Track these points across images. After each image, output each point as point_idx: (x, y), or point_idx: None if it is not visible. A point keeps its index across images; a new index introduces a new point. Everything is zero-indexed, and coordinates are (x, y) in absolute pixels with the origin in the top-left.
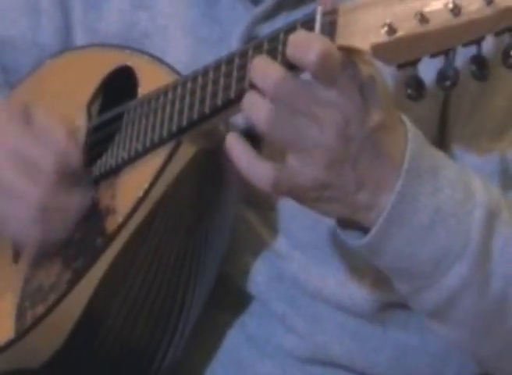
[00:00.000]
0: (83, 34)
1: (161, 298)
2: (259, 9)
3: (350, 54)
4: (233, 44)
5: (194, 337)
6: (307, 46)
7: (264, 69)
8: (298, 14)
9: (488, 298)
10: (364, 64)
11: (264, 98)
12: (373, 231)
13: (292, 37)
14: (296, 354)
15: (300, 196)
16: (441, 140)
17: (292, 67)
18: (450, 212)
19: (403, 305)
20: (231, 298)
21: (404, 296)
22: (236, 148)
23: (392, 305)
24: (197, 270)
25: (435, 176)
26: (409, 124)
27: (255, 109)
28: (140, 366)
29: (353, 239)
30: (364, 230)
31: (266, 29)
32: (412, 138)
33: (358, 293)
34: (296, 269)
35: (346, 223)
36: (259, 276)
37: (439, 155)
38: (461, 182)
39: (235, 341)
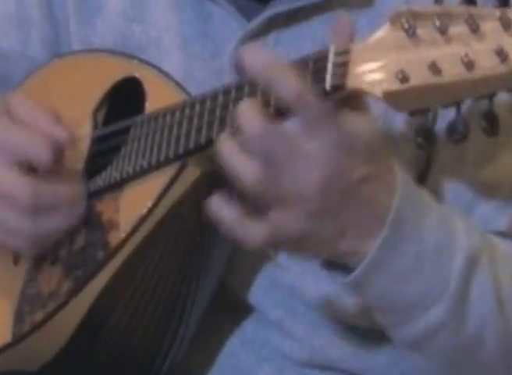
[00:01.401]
0: (80, 47)
1: (160, 310)
2: (250, 26)
3: (344, 103)
4: (226, 61)
5: (192, 342)
6: (283, 82)
7: (248, 122)
8: (289, 32)
9: (463, 337)
10: (358, 112)
11: (246, 151)
12: (355, 274)
13: (270, 70)
14: (293, 358)
15: (285, 247)
16: (426, 166)
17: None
18: (432, 259)
19: None
20: (229, 304)
21: (382, 327)
22: (223, 212)
23: None
24: (197, 283)
25: (419, 225)
26: (400, 173)
27: (239, 165)
28: (139, 370)
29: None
30: (348, 268)
31: None
32: (400, 189)
33: (354, 303)
34: (292, 278)
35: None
36: (256, 284)
37: (424, 200)
38: (444, 228)
39: (232, 345)
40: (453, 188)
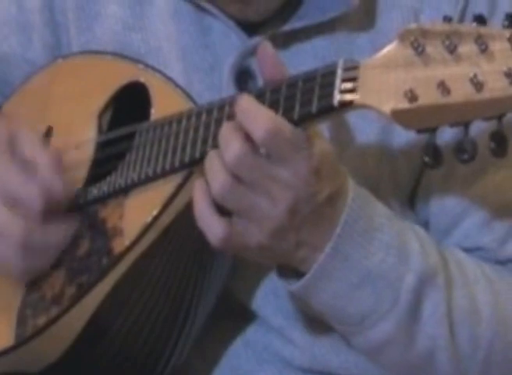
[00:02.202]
0: None
1: (163, 317)
2: (251, 42)
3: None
4: (225, 72)
5: (194, 345)
6: (254, 119)
7: (228, 141)
8: (290, 51)
9: (413, 354)
10: (317, 137)
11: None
12: (301, 282)
13: (242, 104)
14: (294, 364)
15: (241, 252)
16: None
17: None
18: (380, 275)
19: None
20: (231, 309)
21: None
22: (199, 195)
23: None
24: (201, 289)
25: (369, 240)
26: (351, 187)
27: (214, 174)
28: (141, 374)
29: (287, 282)
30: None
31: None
32: (350, 203)
33: None
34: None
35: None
36: (258, 291)
37: (378, 214)
38: (396, 246)
39: (234, 347)
40: (439, 202)
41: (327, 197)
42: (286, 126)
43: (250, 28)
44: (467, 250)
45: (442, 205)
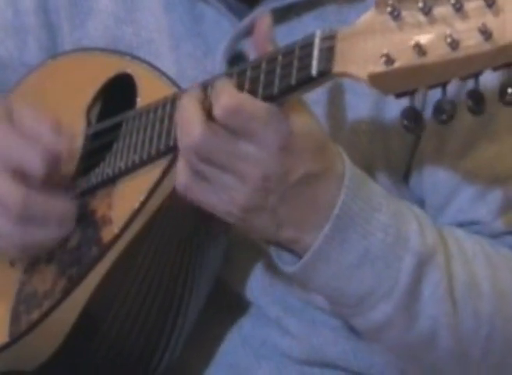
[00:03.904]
0: None
1: (156, 308)
2: (242, 25)
3: (283, 106)
4: (218, 59)
5: (190, 339)
6: (216, 98)
7: (186, 125)
8: (281, 29)
9: (414, 335)
10: (299, 112)
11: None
12: (299, 265)
13: (215, 85)
14: (292, 355)
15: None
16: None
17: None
18: (379, 255)
19: None
20: (227, 301)
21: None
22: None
23: None
24: (193, 278)
25: (368, 219)
26: (348, 167)
27: (183, 150)
28: (135, 370)
29: (285, 264)
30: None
31: (250, 43)
32: (347, 184)
33: None
34: (288, 278)
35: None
36: (254, 281)
37: (376, 194)
38: (395, 226)
39: (231, 343)
40: (431, 178)
41: (304, 175)
42: (248, 103)
43: (241, 13)
44: (462, 224)
45: (435, 181)
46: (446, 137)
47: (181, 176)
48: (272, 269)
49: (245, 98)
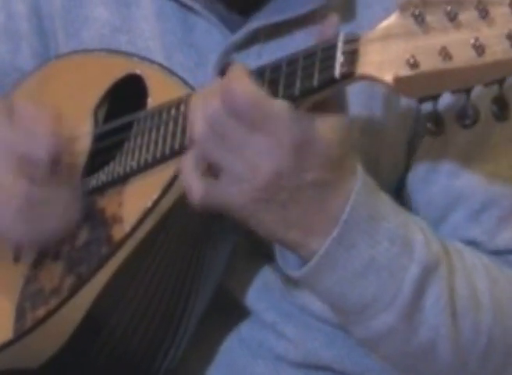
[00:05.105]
0: None
1: (163, 306)
2: (234, 38)
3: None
4: (209, 70)
5: (189, 341)
6: (232, 87)
7: (210, 94)
8: (272, 45)
9: (414, 345)
10: (327, 118)
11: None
12: (305, 269)
13: (232, 69)
14: (288, 358)
15: (230, 212)
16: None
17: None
18: (384, 265)
19: None
20: (225, 305)
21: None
22: (185, 156)
23: None
24: (199, 279)
25: (375, 227)
26: (360, 174)
27: (195, 124)
28: (138, 369)
29: (291, 268)
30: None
31: (241, 57)
32: (357, 190)
33: None
34: (284, 284)
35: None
36: (251, 286)
37: (384, 203)
38: (401, 235)
39: (228, 343)
40: (426, 195)
41: (316, 180)
42: (263, 98)
43: (232, 24)
44: None
45: (429, 198)
46: (442, 154)
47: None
48: (269, 275)
49: (261, 93)
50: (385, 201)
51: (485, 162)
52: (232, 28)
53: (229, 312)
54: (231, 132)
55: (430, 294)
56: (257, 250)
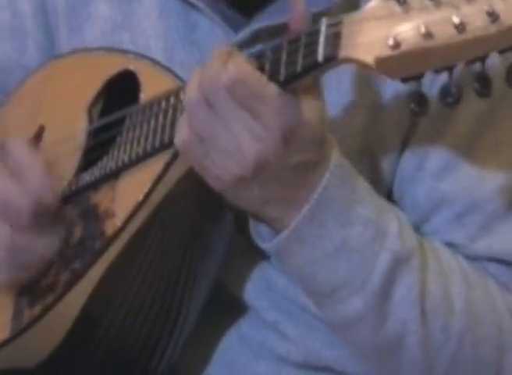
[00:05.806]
0: None
1: (159, 301)
2: (237, 38)
3: (297, 92)
4: None
5: (189, 339)
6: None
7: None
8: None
9: (382, 336)
10: (311, 101)
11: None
12: (275, 240)
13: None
14: (289, 358)
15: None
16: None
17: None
18: (356, 248)
19: None
20: (225, 303)
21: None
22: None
23: None
24: (195, 274)
25: (349, 210)
26: (335, 154)
27: (190, 88)
28: (136, 367)
29: (263, 240)
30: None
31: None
32: (331, 169)
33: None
34: (285, 283)
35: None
36: (252, 285)
37: (361, 188)
38: (375, 222)
39: (229, 341)
40: (411, 196)
41: (301, 162)
42: (257, 78)
43: (235, 24)
44: None
45: (414, 199)
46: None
47: (181, 132)
48: (270, 273)
49: (252, 72)
50: (362, 187)
51: (470, 167)
52: (235, 28)
53: (229, 310)
54: (221, 103)
55: (400, 285)
56: (255, 246)
